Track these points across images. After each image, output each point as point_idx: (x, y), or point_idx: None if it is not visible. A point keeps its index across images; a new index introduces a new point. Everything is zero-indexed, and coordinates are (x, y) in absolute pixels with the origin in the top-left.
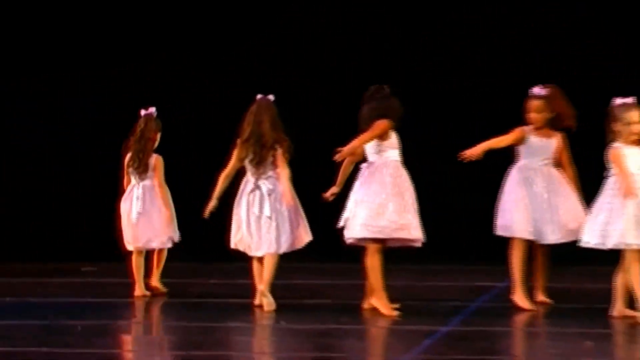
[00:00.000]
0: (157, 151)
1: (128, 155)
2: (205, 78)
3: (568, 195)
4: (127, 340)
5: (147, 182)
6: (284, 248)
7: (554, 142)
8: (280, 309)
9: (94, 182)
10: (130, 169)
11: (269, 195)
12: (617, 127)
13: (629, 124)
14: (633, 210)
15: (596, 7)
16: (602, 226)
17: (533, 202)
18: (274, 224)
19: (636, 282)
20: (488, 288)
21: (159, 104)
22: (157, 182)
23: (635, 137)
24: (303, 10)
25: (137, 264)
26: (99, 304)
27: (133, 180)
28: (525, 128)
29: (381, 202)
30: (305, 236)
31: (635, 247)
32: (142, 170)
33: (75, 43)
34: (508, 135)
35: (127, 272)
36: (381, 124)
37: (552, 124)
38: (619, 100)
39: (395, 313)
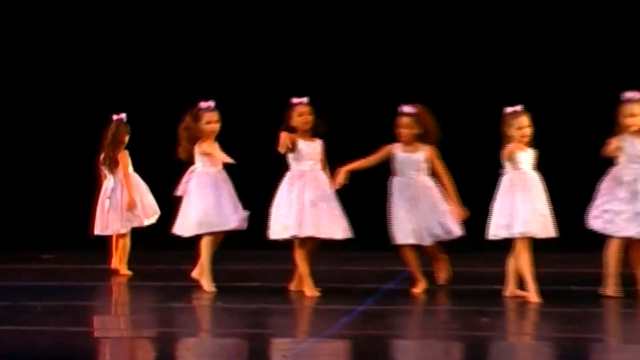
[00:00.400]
0: (158, 149)
1: (101, 156)
2: (205, 78)
3: (434, 202)
4: (81, 319)
5: (118, 175)
6: (196, 230)
7: (421, 156)
8: (217, 291)
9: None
10: (103, 167)
11: (188, 182)
12: (511, 131)
13: (520, 128)
14: (531, 203)
15: (596, 7)
16: (507, 219)
17: (406, 210)
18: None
19: (525, 267)
20: (397, 272)
21: (159, 104)
22: (122, 174)
23: (525, 140)
24: (303, 10)
25: (115, 245)
26: (57, 287)
27: (108, 176)
28: (393, 145)
29: (276, 207)
30: (231, 221)
31: (531, 234)
32: (113, 166)
33: (75, 43)
34: (375, 155)
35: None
36: (281, 136)
37: (421, 139)
38: (509, 109)
39: (317, 294)
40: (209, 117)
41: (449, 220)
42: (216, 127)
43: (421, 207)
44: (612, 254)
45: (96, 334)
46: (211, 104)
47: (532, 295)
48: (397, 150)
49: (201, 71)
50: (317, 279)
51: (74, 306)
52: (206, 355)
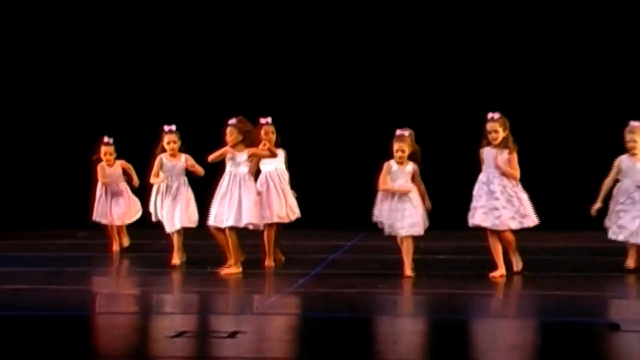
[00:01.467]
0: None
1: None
2: (205, 78)
3: (250, 193)
4: (103, 280)
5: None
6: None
7: (245, 155)
8: (210, 262)
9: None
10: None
11: None
12: (392, 150)
13: (396, 150)
14: (388, 205)
15: (596, 7)
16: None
17: (221, 198)
18: None
19: (405, 253)
20: (340, 246)
21: (159, 104)
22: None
23: (400, 160)
24: (303, 10)
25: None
26: (88, 257)
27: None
28: (226, 147)
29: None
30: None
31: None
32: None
33: (74, 43)
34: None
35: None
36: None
37: (246, 142)
38: (398, 131)
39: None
40: (169, 139)
41: (251, 210)
42: (175, 146)
43: (240, 196)
44: (489, 240)
45: (113, 290)
46: (172, 127)
47: (407, 269)
48: (229, 153)
49: (201, 71)
50: (281, 250)
51: (99, 271)
52: (201, 306)
